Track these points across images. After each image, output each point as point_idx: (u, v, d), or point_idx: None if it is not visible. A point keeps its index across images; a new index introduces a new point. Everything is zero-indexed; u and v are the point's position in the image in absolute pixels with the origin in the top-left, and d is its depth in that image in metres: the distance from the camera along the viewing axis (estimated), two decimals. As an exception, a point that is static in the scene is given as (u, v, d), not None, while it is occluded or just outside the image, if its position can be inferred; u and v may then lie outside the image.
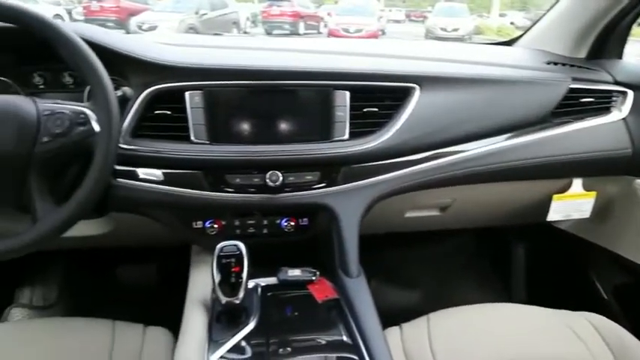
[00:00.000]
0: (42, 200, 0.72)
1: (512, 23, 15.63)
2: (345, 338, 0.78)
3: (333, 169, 0.94)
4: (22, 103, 0.72)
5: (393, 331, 0.88)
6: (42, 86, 0.97)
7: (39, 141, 0.70)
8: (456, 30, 12.22)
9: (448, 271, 1.64)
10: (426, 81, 0.97)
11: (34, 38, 0.72)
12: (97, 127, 0.72)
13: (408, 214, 1.16)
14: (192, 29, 8.37)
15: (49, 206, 0.72)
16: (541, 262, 1.56)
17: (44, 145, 0.71)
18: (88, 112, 0.73)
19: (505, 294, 1.59)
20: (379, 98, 0.95)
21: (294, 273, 0.90)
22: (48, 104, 0.73)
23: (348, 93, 0.92)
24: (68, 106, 0.74)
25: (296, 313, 0.84)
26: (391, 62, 1.01)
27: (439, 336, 0.86)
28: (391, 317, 0.90)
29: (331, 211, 0.94)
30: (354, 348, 0.76)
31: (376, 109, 0.95)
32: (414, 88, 0.96)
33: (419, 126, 0.96)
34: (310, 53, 1.07)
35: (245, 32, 11.12)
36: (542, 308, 0.95)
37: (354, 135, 0.94)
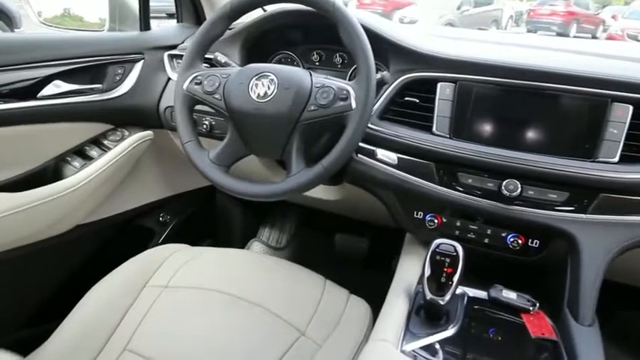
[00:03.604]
0: (298, 159, 0.84)
1: None
2: (555, 388, 0.67)
3: (588, 194, 0.79)
4: (303, 75, 0.84)
5: None
6: (317, 63, 1.13)
7: (307, 108, 0.82)
8: None
9: None
10: None
11: (322, 20, 0.83)
12: (354, 104, 0.79)
13: None
14: (450, 24, 8.33)
15: (301, 165, 0.84)
16: None
17: (310, 113, 0.82)
18: (350, 89, 0.81)
19: None
20: None
21: (509, 295, 0.81)
22: (320, 78, 0.84)
23: (631, 107, 0.76)
24: (335, 82, 0.83)
25: (500, 338, 0.76)
26: None
27: None
28: None
29: (573, 241, 0.80)
30: None
31: None
32: None
33: None
34: (584, 55, 0.92)
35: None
36: None
37: (626, 159, 0.77)
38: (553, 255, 0.85)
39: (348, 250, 1.66)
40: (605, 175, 0.77)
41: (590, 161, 0.79)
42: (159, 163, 1.36)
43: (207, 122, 1.11)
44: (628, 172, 0.76)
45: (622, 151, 0.77)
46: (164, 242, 1.21)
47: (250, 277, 0.95)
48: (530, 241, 0.87)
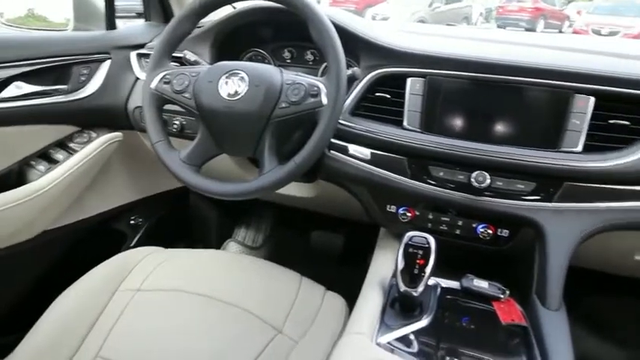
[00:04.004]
0: (270, 157, 0.84)
1: None
2: (525, 373, 0.69)
3: (553, 183, 0.82)
4: (273, 72, 0.84)
5: None
6: (288, 60, 1.13)
7: (278, 106, 0.81)
8: None
9: None
10: None
11: (292, 17, 0.83)
12: (325, 100, 0.80)
13: None
14: (422, 21, 8.44)
15: (274, 163, 0.83)
16: None
17: (281, 110, 0.81)
18: (321, 85, 0.81)
19: None
20: (635, 110, 0.78)
21: (480, 284, 0.83)
22: (291, 75, 0.84)
23: (592, 99, 0.78)
24: (306, 79, 0.83)
25: (472, 327, 0.78)
26: None
27: None
28: None
29: (539, 230, 0.83)
30: None
31: (627, 122, 0.78)
32: None
33: None
34: (549, 49, 0.94)
35: (474, 27, 10.62)
36: None
37: (588, 148, 0.80)
38: (522, 243, 0.88)
39: (324, 247, 1.67)
40: (569, 165, 0.79)
41: (555, 151, 0.81)
42: (129, 165, 1.33)
43: (177, 122, 1.10)
44: (590, 161, 0.78)
45: (585, 141, 0.80)
46: (136, 246, 1.19)
47: (225, 277, 0.94)
48: (499, 230, 0.89)
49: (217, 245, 1.61)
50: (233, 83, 0.83)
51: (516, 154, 0.82)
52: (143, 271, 0.92)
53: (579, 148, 0.80)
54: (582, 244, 0.82)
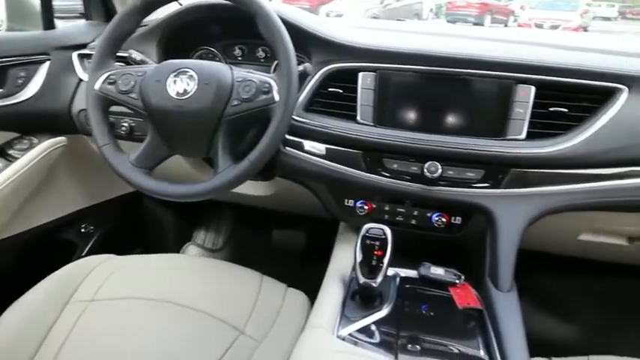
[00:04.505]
0: (224, 156, 0.83)
1: None
2: (481, 353, 0.71)
3: (501, 170, 0.85)
4: (223, 70, 0.83)
5: None
6: (240, 58, 1.11)
7: (230, 103, 0.80)
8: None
9: (622, 313, 1.36)
10: (639, 83, 0.80)
11: (241, 13, 0.82)
12: (277, 97, 0.79)
13: (583, 237, 0.99)
14: (375, 18, 8.56)
15: (228, 162, 0.82)
16: None
17: (233, 108, 0.80)
18: (272, 82, 0.80)
19: None
20: (572, 98, 0.83)
21: (437, 271, 0.86)
22: (241, 72, 0.83)
23: (533, 88, 0.82)
24: (257, 76, 0.82)
25: (432, 313, 0.80)
26: (592, 57, 0.85)
27: None
28: (539, 346, 0.79)
29: (490, 215, 0.86)
30: None
31: (565, 110, 0.83)
32: (620, 89, 0.80)
33: (618, 136, 0.80)
34: (494, 42, 0.98)
35: (425, 24, 10.89)
36: None
37: (532, 136, 0.84)
38: (474, 229, 0.91)
39: (285, 245, 1.66)
40: (514, 152, 0.83)
41: (501, 139, 0.84)
42: (76, 171, 1.27)
43: (126, 124, 1.06)
44: (533, 148, 0.82)
45: (528, 128, 0.83)
46: (88, 255, 1.13)
47: (183, 281, 0.91)
48: (453, 218, 0.92)
49: (176, 250, 1.56)
50: (182, 82, 0.81)
51: (465, 143, 0.85)
52: (96, 281, 0.88)
53: (523, 135, 0.83)
54: (530, 227, 0.86)
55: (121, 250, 1.10)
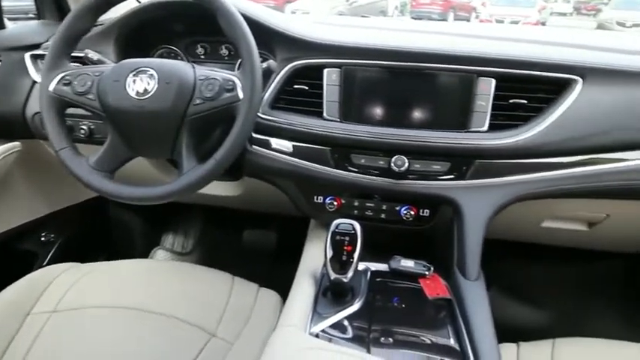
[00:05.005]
0: (188, 156, 0.81)
1: None
2: (452, 342, 0.73)
3: (465, 162, 0.87)
4: (185, 68, 0.80)
5: (509, 348, 0.79)
6: (202, 56, 1.09)
7: (192, 102, 0.78)
8: (638, 25, 10.33)
9: (586, 297, 1.42)
10: (592, 74, 0.83)
11: (201, 10, 0.80)
12: (241, 95, 0.78)
13: (546, 224, 1.03)
14: (341, 15, 8.59)
15: (193, 162, 0.80)
16: None
17: (196, 107, 0.78)
18: (236, 80, 0.79)
19: None
20: (531, 89, 0.85)
21: (407, 264, 0.87)
22: (204, 71, 0.81)
23: (493, 81, 0.84)
24: (220, 74, 0.80)
25: (403, 305, 0.81)
26: (549, 50, 0.88)
27: None
28: (507, 332, 0.81)
29: (456, 206, 0.88)
30: (461, 355, 0.70)
31: (525, 101, 0.85)
32: (575, 80, 0.83)
33: (575, 125, 0.83)
34: (455, 36, 1.00)
35: (391, 21, 11.01)
36: None
37: (494, 127, 0.86)
38: (442, 221, 0.93)
39: (256, 245, 1.64)
40: (477, 144, 0.85)
41: (464, 132, 0.86)
42: (33, 177, 1.21)
43: (85, 127, 1.02)
44: (494, 139, 0.84)
45: (490, 120, 0.85)
46: (50, 264, 1.09)
47: (151, 287, 0.89)
48: (421, 211, 0.93)
49: (144, 255, 1.52)
50: (141, 81, 0.78)
51: (430, 136, 0.86)
52: (58, 291, 0.85)
53: (485, 127, 0.85)
54: (495, 217, 0.88)
55: (86, 257, 1.06)
